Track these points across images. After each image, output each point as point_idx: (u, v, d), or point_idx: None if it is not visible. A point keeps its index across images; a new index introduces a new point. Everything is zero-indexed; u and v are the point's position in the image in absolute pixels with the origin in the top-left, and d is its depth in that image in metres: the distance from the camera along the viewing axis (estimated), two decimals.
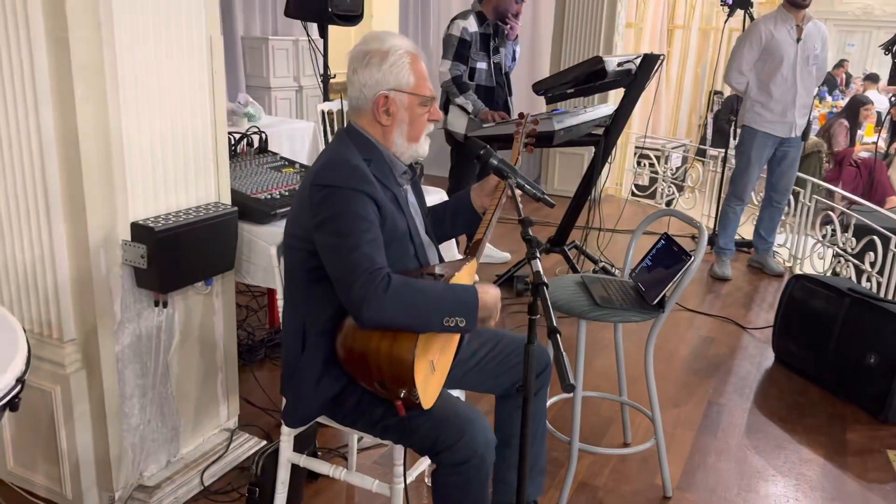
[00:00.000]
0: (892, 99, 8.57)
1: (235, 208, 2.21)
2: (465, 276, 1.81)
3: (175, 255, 2.02)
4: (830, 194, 5.54)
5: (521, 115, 2.19)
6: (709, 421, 2.97)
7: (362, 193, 1.69)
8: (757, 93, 4.42)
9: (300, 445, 2.11)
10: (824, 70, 4.54)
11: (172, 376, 2.28)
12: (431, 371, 1.72)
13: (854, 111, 7.47)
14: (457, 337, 1.90)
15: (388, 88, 1.76)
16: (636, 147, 6.67)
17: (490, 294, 1.70)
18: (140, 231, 1.99)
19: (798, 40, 4.28)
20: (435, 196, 3.09)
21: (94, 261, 1.98)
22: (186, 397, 2.35)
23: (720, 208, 4.80)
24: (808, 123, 4.54)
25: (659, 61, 3.83)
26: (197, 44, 2.13)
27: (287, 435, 1.95)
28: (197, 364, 2.36)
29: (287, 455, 1.97)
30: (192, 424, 2.40)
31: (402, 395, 1.64)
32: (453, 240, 2.92)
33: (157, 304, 2.13)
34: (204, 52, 2.15)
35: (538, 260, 1.51)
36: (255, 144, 2.92)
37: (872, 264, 3.98)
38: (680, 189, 6.38)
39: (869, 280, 4.01)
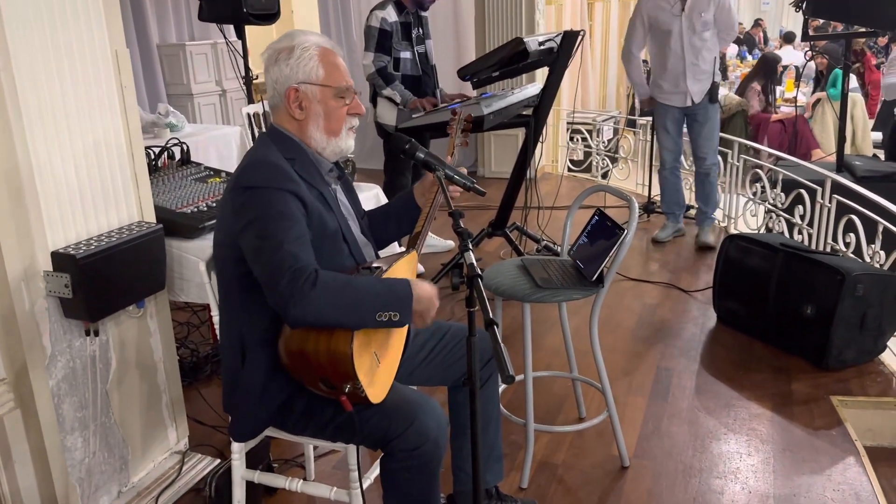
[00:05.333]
0: (808, 54, 8.84)
1: (160, 226, 2.14)
2: (403, 268, 1.79)
3: (101, 281, 1.95)
4: (757, 152, 5.68)
5: (453, 113, 2.18)
6: (659, 386, 3.03)
7: (284, 191, 1.66)
8: (655, 67, 4.59)
9: (253, 460, 2.07)
10: (728, 29, 4.44)
11: (114, 405, 2.20)
12: (376, 363, 1.70)
13: (771, 69, 7.66)
14: (403, 329, 1.88)
15: (297, 82, 1.75)
16: (568, 123, 6.73)
17: (424, 287, 1.69)
18: (61, 260, 1.91)
19: (682, 11, 4.36)
20: (369, 192, 3.06)
21: (15, 295, 1.90)
22: (131, 424, 2.28)
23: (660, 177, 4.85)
24: (714, 85, 4.50)
25: (580, 37, 3.85)
26: (102, 60, 2.04)
27: (238, 452, 1.91)
28: (139, 389, 2.30)
29: (240, 473, 1.93)
30: (141, 451, 2.33)
31: (346, 389, 1.62)
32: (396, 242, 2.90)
33: (88, 334, 2.05)
34: (110, 67, 2.07)
35: (471, 252, 1.50)
36: (177, 156, 2.83)
37: (802, 217, 4.11)
38: (614, 161, 6.47)
39: (800, 233, 4.13)
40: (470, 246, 1.53)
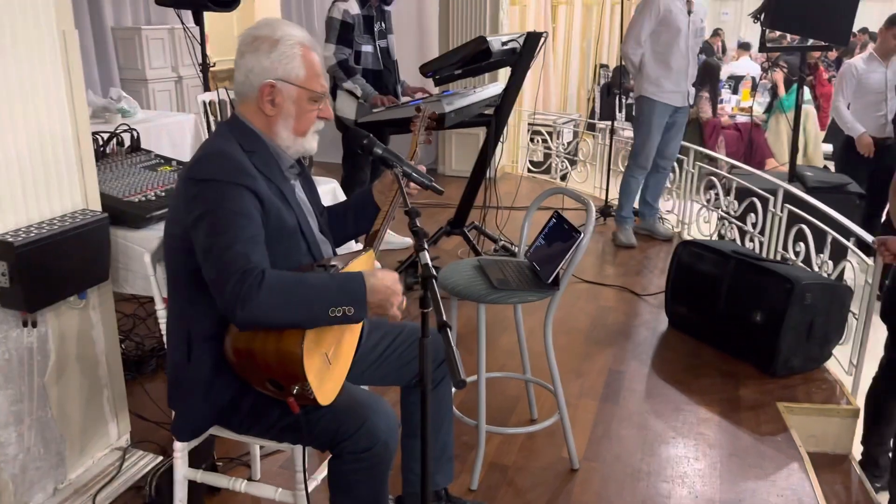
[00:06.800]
0: (764, 65, 9.03)
1: (105, 214, 2.06)
2: (360, 267, 1.75)
3: (40, 270, 1.87)
4: (713, 160, 5.78)
5: (417, 110, 2.15)
6: (610, 389, 3.05)
7: (240, 186, 1.60)
8: (654, 64, 4.54)
9: (197, 459, 2.01)
10: (702, 40, 4.75)
11: (52, 399, 2.12)
12: (327, 364, 1.65)
13: (714, 75, 7.81)
14: (356, 329, 1.84)
15: (275, 78, 1.68)
16: (529, 124, 6.75)
17: (381, 278, 1.63)
18: None
19: (689, 13, 4.44)
20: (326, 186, 3.00)
21: None
22: (70, 419, 2.20)
23: (623, 178, 4.81)
24: (696, 90, 4.76)
25: (542, 39, 3.86)
26: (48, 40, 1.96)
27: (181, 451, 1.85)
28: (78, 383, 2.21)
29: (182, 472, 1.87)
30: (80, 447, 2.25)
31: (294, 391, 1.57)
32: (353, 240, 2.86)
33: (25, 325, 1.97)
34: (56, 48, 1.99)
35: (426, 252, 1.47)
36: (127, 143, 2.74)
37: (754, 225, 4.18)
38: (573, 163, 6.51)
39: (752, 240, 4.20)
40: (425, 245, 1.49)
